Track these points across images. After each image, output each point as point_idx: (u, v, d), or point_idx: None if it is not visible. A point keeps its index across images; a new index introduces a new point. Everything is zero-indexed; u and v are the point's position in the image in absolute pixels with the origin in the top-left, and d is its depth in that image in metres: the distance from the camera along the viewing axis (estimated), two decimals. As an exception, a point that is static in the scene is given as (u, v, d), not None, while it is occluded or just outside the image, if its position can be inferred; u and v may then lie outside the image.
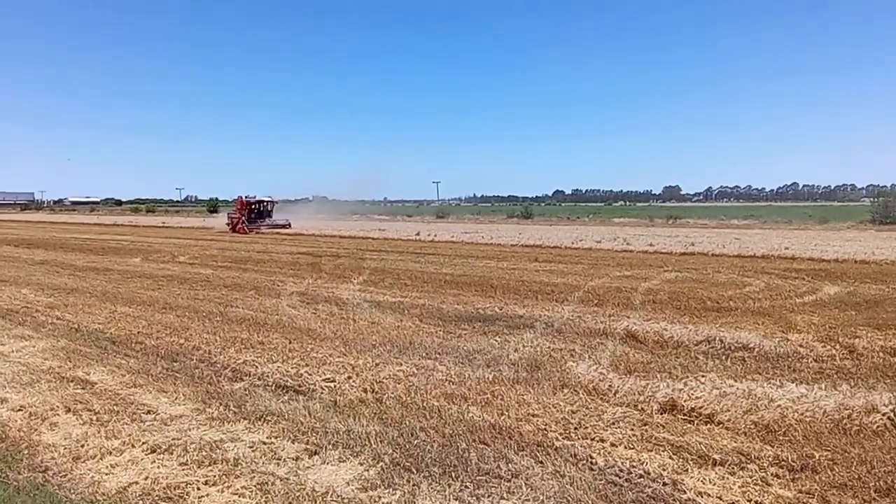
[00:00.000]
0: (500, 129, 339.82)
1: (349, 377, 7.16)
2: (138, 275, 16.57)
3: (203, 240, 32.62)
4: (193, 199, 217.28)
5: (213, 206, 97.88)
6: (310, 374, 7.26)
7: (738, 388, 6.38)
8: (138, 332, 9.51)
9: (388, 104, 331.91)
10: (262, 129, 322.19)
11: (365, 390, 6.70)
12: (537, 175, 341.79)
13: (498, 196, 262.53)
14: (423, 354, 8.10)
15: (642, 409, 6.13)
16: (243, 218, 41.03)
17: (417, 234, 34.80)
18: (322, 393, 6.65)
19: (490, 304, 11.98)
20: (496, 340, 8.90)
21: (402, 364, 7.63)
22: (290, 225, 43.05)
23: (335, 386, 6.86)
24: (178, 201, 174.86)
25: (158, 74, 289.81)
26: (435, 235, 33.79)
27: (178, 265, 19.26)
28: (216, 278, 15.91)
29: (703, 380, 6.74)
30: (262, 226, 41.69)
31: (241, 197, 42.64)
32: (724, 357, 7.91)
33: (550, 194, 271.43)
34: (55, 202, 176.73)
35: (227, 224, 41.77)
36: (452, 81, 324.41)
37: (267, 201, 44.17)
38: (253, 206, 42.96)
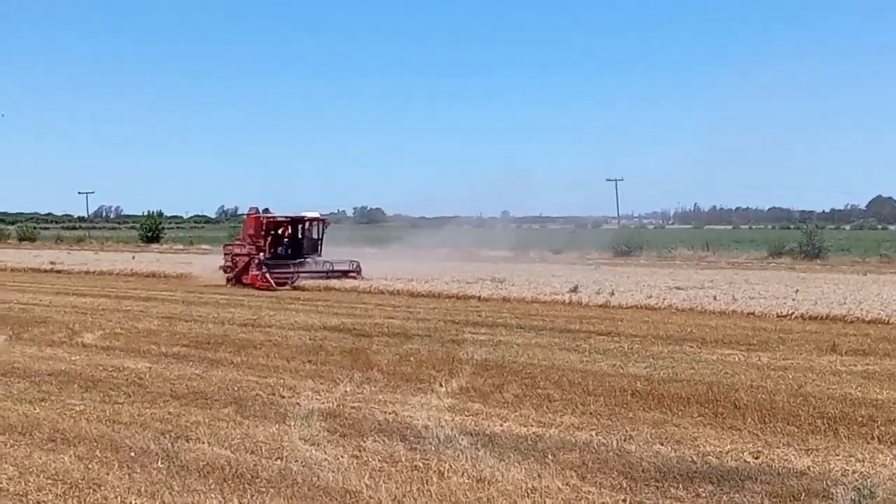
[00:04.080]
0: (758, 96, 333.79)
1: None
2: (2, 370, 17.47)
3: (133, 298, 34.11)
4: (112, 214, 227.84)
5: (152, 229, 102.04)
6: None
7: None
8: (1, 490, 9.97)
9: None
10: (245, 103, 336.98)
11: None
12: (832, 170, 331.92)
13: (745, 209, 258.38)
14: (588, 553, 8.08)
15: None
16: (260, 255, 40.57)
17: (574, 289, 34.89)
18: None
19: (733, 443, 11.78)
20: (748, 527, 8.74)
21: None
22: (359, 272, 42.72)
23: None
24: (83, 219, 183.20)
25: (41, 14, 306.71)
26: (611, 293, 33.82)
27: (83, 351, 20.19)
28: (158, 379, 16.51)
29: None
30: (302, 272, 41.36)
31: (256, 212, 42.90)
32: None
33: (864, 206, 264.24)
34: None
35: (225, 268, 42.34)
36: None
37: (310, 219, 43.98)
38: (281, 231, 43.36)
